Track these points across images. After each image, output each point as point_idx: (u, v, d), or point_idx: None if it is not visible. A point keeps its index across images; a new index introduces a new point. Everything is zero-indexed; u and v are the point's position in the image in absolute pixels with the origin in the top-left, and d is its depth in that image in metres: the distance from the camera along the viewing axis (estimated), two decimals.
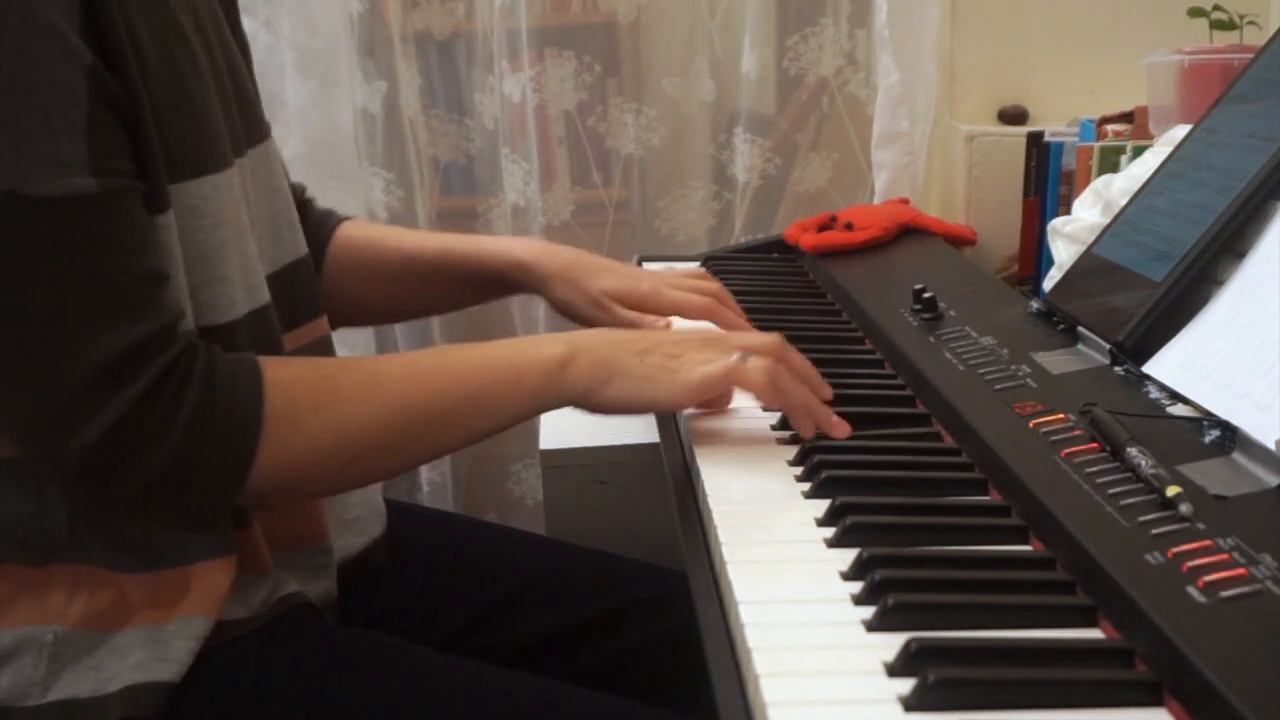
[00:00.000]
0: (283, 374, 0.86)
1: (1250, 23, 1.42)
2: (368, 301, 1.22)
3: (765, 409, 1.00)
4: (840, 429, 0.93)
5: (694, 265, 1.58)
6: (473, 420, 0.91)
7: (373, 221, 1.96)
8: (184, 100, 0.87)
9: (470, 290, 1.24)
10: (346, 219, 1.23)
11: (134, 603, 0.88)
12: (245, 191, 0.96)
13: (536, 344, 0.93)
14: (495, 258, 1.19)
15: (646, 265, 1.57)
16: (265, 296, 0.96)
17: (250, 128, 0.99)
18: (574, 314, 1.17)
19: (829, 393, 0.97)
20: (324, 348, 1.07)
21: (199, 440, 0.81)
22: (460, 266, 1.20)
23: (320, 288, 1.08)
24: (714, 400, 0.99)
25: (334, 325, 1.21)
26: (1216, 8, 1.42)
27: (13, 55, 0.76)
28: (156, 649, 0.87)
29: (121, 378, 0.79)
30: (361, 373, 0.91)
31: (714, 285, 1.20)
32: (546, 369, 0.91)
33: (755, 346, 0.94)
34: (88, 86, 0.78)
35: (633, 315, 1.14)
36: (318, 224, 1.20)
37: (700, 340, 0.95)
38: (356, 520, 1.09)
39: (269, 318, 0.96)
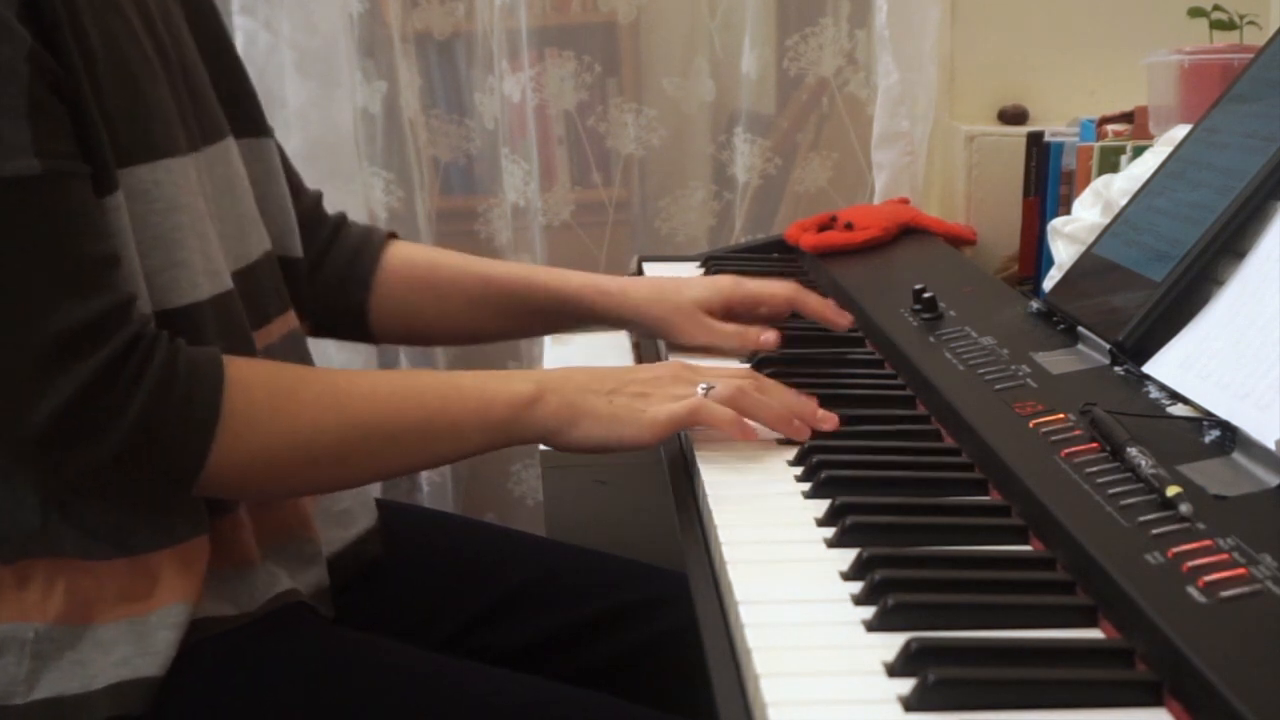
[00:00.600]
0: (245, 374, 0.87)
1: (1250, 23, 1.42)
2: (428, 323, 1.22)
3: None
4: (828, 421, 0.94)
5: (694, 265, 1.58)
6: (432, 444, 0.92)
7: (373, 223, 1.97)
8: (130, 84, 0.88)
9: (544, 320, 1.25)
10: (390, 235, 1.24)
11: (111, 593, 0.88)
12: (201, 184, 0.96)
13: (506, 379, 0.95)
14: (580, 287, 1.20)
15: (646, 266, 1.57)
16: (227, 283, 0.96)
17: (205, 127, 0.99)
18: (675, 332, 1.18)
19: (813, 402, 0.97)
20: (295, 342, 1.07)
21: (153, 425, 0.82)
22: (542, 296, 1.20)
23: (284, 285, 1.08)
24: (725, 427, 0.96)
25: (381, 341, 1.25)
26: (1216, 8, 1.42)
27: None
28: (139, 642, 0.87)
29: (74, 355, 0.80)
30: (324, 384, 0.92)
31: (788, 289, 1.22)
32: (513, 404, 0.92)
33: (724, 376, 0.95)
34: (29, 69, 0.79)
35: (731, 329, 1.16)
36: (362, 240, 1.20)
37: (671, 376, 0.96)
38: (344, 513, 1.09)
39: (234, 305, 0.96)
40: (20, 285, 0.80)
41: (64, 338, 0.80)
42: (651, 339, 1.24)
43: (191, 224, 0.92)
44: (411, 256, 1.22)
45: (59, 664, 0.86)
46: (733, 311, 1.19)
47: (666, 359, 1.16)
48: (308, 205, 1.19)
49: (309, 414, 0.88)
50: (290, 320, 1.08)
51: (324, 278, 1.17)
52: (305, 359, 1.09)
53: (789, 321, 1.27)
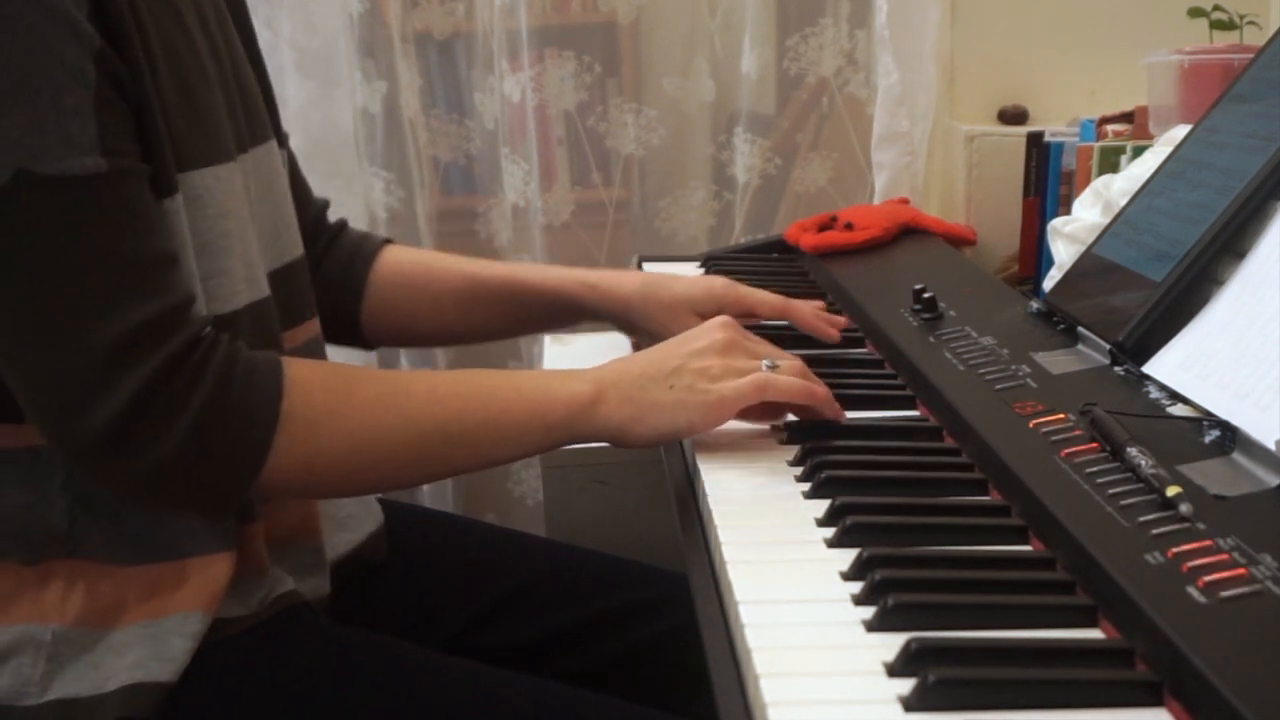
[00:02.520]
0: (304, 374, 0.87)
1: (1250, 23, 1.42)
2: (421, 324, 1.22)
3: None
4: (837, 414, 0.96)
5: (694, 265, 1.58)
6: (489, 446, 0.91)
7: (373, 223, 1.97)
8: (186, 91, 0.89)
9: (536, 317, 1.24)
10: (387, 241, 1.24)
11: (131, 598, 0.88)
12: (246, 188, 0.97)
13: (564, 379, 0.92)
14: (567, 283, 1.19)
15: (647, 266, 1.57)
16: (265, 290, 0.96)
17: (253, 128, 1.00)
18: (657, 330, 1.16)
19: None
20: (316, 348, 1.08)
21: (212, 427, 0.81)
22: (531, 293, 1.20)
23: (312, 290, 1.08)
24: (752, 414, 0.96)
25: (375, 345, 1.24)
26: (1216, 8, 1.42)
27: (23, 36, 0.77)
28: (154, 647, 0.87)
29: (134, 356, 0.80)
30: (383, 385, 0.91)
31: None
32: (573, 406, 0.90)
33: (780, 352, 0.95)
34: (95, 69, 0.79)
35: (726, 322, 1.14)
36: (356, 247, 1.21)
37: (726, 343, 0.93)
38: (350, 517, 1.09)
39: (269, 311, 0.96)
40: (82, 285, 0.80)
41: (124, 339, 0.79)
42: (644, 335, 1.23)
43: (238, 231, 0.92)
44: (402, 260, 1.22)
45: (74, 666, 0.87)
46: (724, 314, 1.17)
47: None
48: (313, 213, 1.19)
49: (368, 415, 0.88)
50: (316, 324, 1.08)
51: (319, 285, 1.17)
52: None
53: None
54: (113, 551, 0.88)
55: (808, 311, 1.19)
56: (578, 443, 0.92)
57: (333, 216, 1.23)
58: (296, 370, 0.86)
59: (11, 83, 0.77)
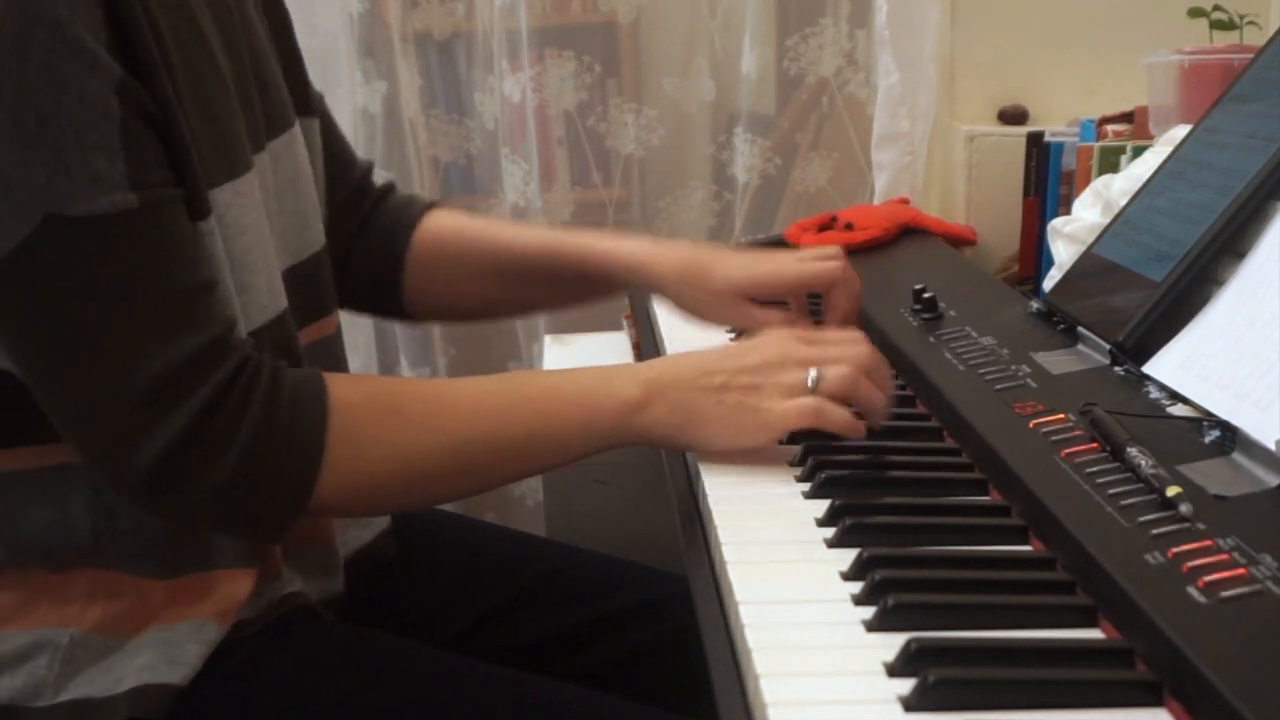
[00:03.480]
0: (348, 395, 0.85)
1: (1250, 23, 1.42)
2: (454, 296, 1.18)
3: None
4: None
5: None
6: (537, 456, 0.90)
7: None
8: (206, 106, 0.87)
9: (572, 291, 1.18)
10: (432, 205, 1.19)
11: (152, 607, 0.88)
12: (266, 188, 0.95)
13: (609, 381, 0.89)
14: (605, 257, 1.12)
15: None
16: (284, 301, 0.95)
17: (272, 117, 0.98)
18: (703, 317, 1.11)
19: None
20: (334, 344, 1.06)
21: (261, 457, 0.81)
22: (564, 265, 1.14)
23: (332, 281, 1.07)
24: (842, 431, 0.89)
25: (415, 319, 1.21)
26: (1216, 8, 1.42)
27: (43, 74, 0.75)
28: (167, 650, 0.87)
29: (179, 392, 0.79)
30: (427, 400, 0.89)
31: (834, 249, 1.12)
32: (621, 411, 0.88)
33: (834, 356, 0.89)
34: (119, 100, 0.77)
35: (767, 316, 1.08)
36: (399, 213, 1.17)
37: (779, 357, 0.89)
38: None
39: (287, 322, 0.95)
40: (123, 324, 0.79)
41: (166, 378, 0.79)
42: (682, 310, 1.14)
43: (258, 244, 0.91)
44: (441, 229, 1.17)
45: (88, 669, 0.87)
46: (768, 292, 1.11)
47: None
48: (357, 176, 1.17)
49: (413, 433, 0.86)
50: (336, 317, 1.07)
51: (360, 254, 1.15)
52: (343, 361, 1.08)
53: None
54: (137, 565, 0.88)
55: (847, 298, 1.11)
56: (623, 445, 0.90)
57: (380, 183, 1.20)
58: (340, 392, 0.85)
59: (33, 123, 0.75)
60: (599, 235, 1.15)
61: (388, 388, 0.92)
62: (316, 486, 0.83)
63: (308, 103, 1.07)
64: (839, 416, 0.87)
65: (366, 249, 1.15)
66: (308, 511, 0.84)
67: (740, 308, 1.08)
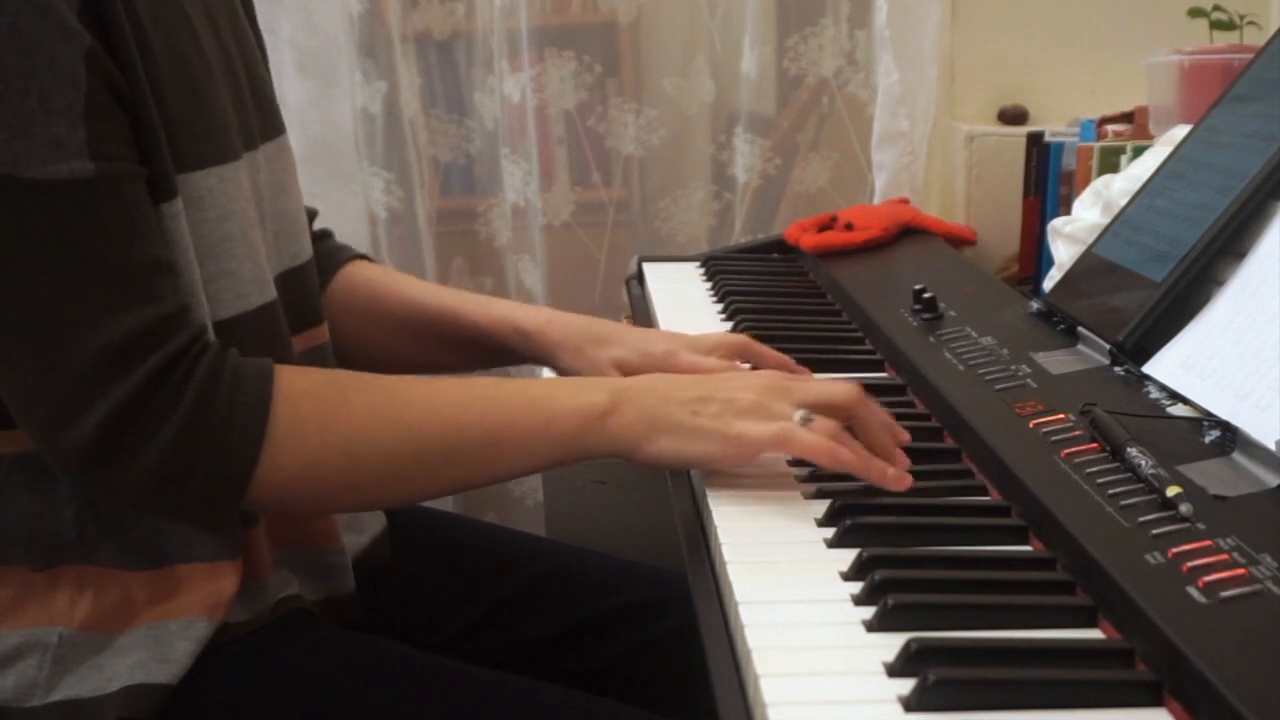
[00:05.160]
0: (296, 384, 0.84)
1: (1250, 23, 1.42)
2: (367, 348, 1.16)
3: None
4: (899, 481, 0.83)
5: (694, 265, 1.57)
6: (493, 460, 0.86)
7: (373, 223, 1.97)
8: (189, 90, 0.87)
9: (472, 353, 1.16)
10: (358, 257, 1.19)
11: (138, 602, 0.88)
12: (256, 186, 0.95)
13: (577, 388, 0.88)
14: (498, 322, 1.12)
15: (646, 266, 1.57)
16: (272, 293, 0.94)
17: (266, 122, 0.99)
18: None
19: (905, 437, 0.89)
20: (324, 354, 1.06)
21: (196, 439, 0.80)
22: (461, 327, 1.13)
23: (319, 294, 1.07)
24: (817, 457, 0.85)
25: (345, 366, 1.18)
26: (1216, 8, 1.42)
27: (10, 36, 0.75)
28: (158, 649, 0.87)
29: (120, 366, 0.78)
30: (379, 394, 0.87)
31: (737, 339, 1.08)
32: (585, 417, 0.84)
33: (825, 403, 0.85)
34: (86, 69, 0.77)
35: (699, 364, 1.03)
36: (326, 258, 1.16)
37: (764, 387, 0.86)
38: (356, 519, 1.09)
39: (276, 315, 0.95)
40: (68, 293, 0.78)
41: (110, 348, 0.78)
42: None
43: (241, 232, 0.90)
44: (355, 279, 1.16)
45: (79, 669, 0.86)
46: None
47: None
48: None
49: (360, 427, 0.84)
50: (325, 329, 1.06)
51: None
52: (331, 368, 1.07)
53: (789, 321, 1.27)
54: (120, 558, 0.88)
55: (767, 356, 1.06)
56: (589, 458, 0.86)
57: (332, 217, 1.22)
58: (288, 380, 0.83)
59: None
60: (503, 301, 1.15)
61: (340, 379, 0.89)
62: (256, 474, 0.81)
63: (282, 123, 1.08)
64: (810, 441, 0.82)
65: None
66: (255, 502, 0.83)
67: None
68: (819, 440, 0.83)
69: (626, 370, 1.05)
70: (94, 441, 0.78)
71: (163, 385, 0.79)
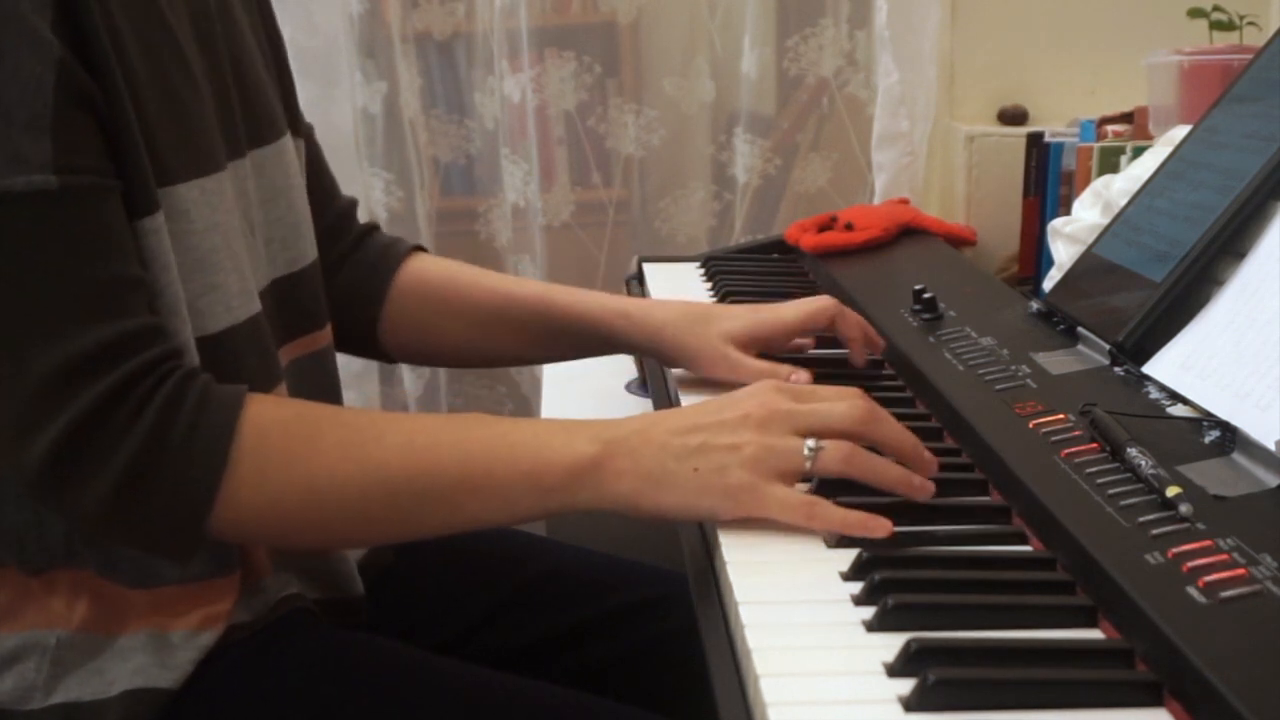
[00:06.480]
0: (266, 414, 0.80)
1: (1250, 23, 1.42)
2: (446, 341, 1.15)
3: None
4: (924, 490, 0.80)
5: (694, 266, 1.58)
6: (471, 507, 0.81)
7: (374, 218, 1.97)
8: (170, 101, 0.85)
9: (566, 344, 1.14)
10: (415, 249, 1.17)
11: (137, 609, 0.88)
12: (244, 195, 0.94)
13: (567, 435, 0.81)
14: (599, 309, 1.10)
15: (646, 267, 1.57)
16: (258, 305, 0.92)
17: (257, 127, 0.97)
18: (696, 363, 1.06)
19: (932, 464, 0.83)
20: (325, 358, 1.05)
21: (151, 466, 0.77)
22: (558, 316, 1.11)
23: (324, 296, 1.05)
24: (850, 531, 0.79)
25: (386, 358, 1.18)
26: (1216, 8, 1.42)
27: None
28: (160, 654, 0.86)
29: (79, 382, 0.76)
30: (351, 430, 0.82)
31: (830, 307, 1.08)
32: (574, 468, 0.79)
33: (831, 424, 0.80)
34: (55, 79, 0.75)
35: (763, 366, 1.03)
36: (383, 252, 1.15)
37: (765, 415, 0.80)
38: None
39: (263, 326, 0.93)
40: (26, 308, 0.76)
41: (70, 364, 0.75)
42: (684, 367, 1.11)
43: (226, 244, 0.88)
44: (429, 271, 1.15)
45: (78, 671, 0.86)
46: (767, 344, 1.08)
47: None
48: (337, 211, 1.15)
49: (328, 464, 0.80)
50: (328, 333, 1.05)
51: (337, 291, 1.12)
52: (333, 375, 1.06)
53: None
54: (111, 574, 0.87)
55: (854, 323, 1.08)
56: (584, 510, 0.81)
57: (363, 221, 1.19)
58: (258, 409, 0.80)
59: None
60: (585, 291, 1.14)
61: (313, 412, 0.85)
62: (213, 508, 0.78)
63: (298, 126, 1.07)
64: (840, 517, 0.77)
65: (344, 286, 1.13)
66: (215, 533, 0.80)
67: (729, 355, 1.04)
68: (845, 516, 0.77)
69: (739, 342, 1.05)
70: (50, 457, 0.76)
71: (123, 403, 0.76)
